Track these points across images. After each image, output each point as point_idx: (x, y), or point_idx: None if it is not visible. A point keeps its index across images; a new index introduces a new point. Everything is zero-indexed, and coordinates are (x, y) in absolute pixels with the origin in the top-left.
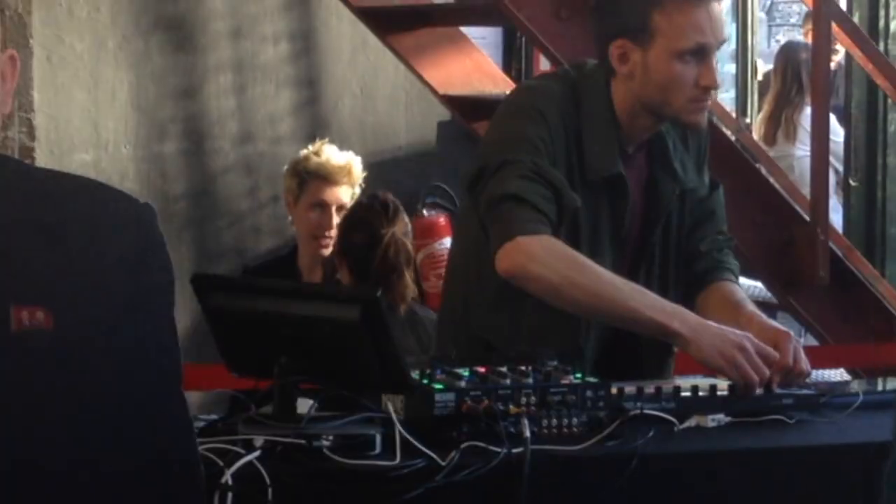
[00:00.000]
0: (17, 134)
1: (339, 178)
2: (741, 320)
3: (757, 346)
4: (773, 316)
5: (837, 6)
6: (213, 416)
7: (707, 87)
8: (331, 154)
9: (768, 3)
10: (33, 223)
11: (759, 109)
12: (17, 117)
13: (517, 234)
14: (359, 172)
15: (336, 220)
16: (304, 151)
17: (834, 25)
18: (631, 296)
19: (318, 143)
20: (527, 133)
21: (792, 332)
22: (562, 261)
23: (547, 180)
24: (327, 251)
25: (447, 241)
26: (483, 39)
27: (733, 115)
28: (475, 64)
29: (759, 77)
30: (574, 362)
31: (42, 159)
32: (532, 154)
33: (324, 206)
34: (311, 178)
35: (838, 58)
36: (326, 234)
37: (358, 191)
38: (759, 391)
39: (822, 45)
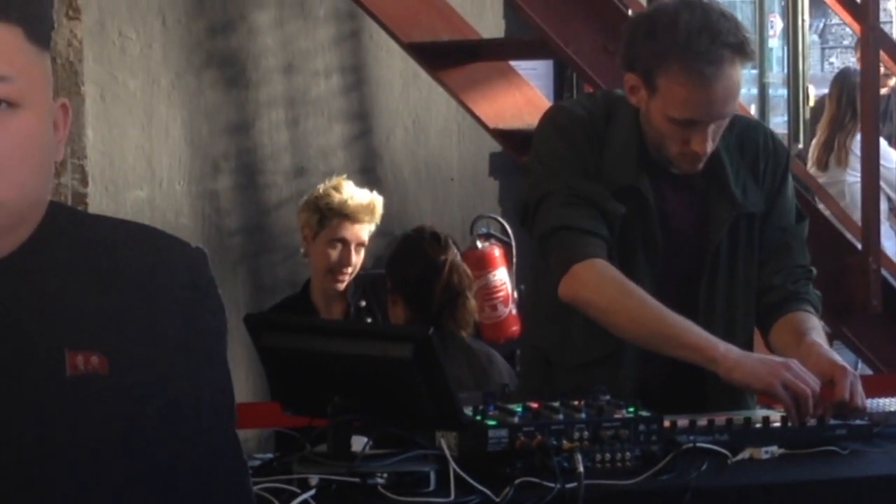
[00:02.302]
0: (70, 180)
1: (362, 217)
2: (801, 348)
3: (800, 366)
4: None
5: (885, 34)
6: (269, 455)
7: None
8: (353, 192)
9: (821, 25)
10: (86, 269)
11: (812, 135)
12: (69, 164)
13: (573, 262)
14: (380, 210)
15: (355, 257)
16: (321, 187)
17: (882, 53)
18: (675, 322)
19: (335, 179)
20: (554, 157)
21: (849, 367)
22: (611, 286)
23: (586, 199)
24: (342, 286)
25: (501, 273)
26: (534, 71)
27: (784, 142)
28: (525, 98)
29: (811, 102)
30: (616, 372)
31: (97, 197)
32: (564, 177)
33: (344, 243)
34: (333, 216)
35: (893, 83)
36: (345, 270)
37: (373, 227)
38: (812, 422)
39: (870, 72)
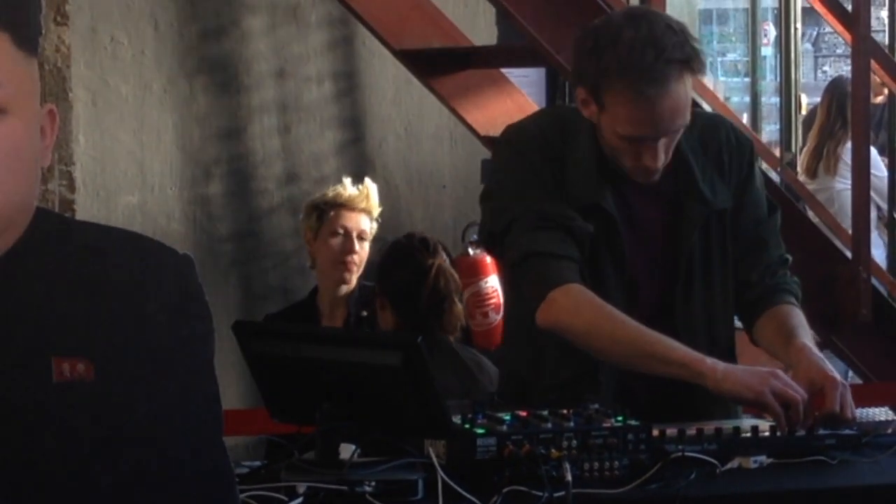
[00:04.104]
0: (58, 186)
1: (357, 204)
2: (790, 351)
3: (785, 375)
4: None
5: (876, 43)
6: (257, 463)
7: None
8: (346, 184)
9: (815, 34)
10: (74, 275)
11: (804, 143)
12: (57, 170)
13: (548, 290)
14: (375, 200)
15: (357, 246)
16: (317, 195)
17: (873, 62)
18: (658, 339)
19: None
20: (515, 181)
21: (839, 376)
22: (589, 310)
23: (553, 221)
24: (350, 276)
25: (492, 280)
26: (526, 78)
27: (774, 149)
28: (516, 105)
29: (804, 111)
30: (593, 389)
31: (88, 202)
32: (528, 200)
33: (345, 232)
34: (329, 208)
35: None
36: (349, 258)
37: (375, 226)
38: (801, 432)
39: (861, 82)
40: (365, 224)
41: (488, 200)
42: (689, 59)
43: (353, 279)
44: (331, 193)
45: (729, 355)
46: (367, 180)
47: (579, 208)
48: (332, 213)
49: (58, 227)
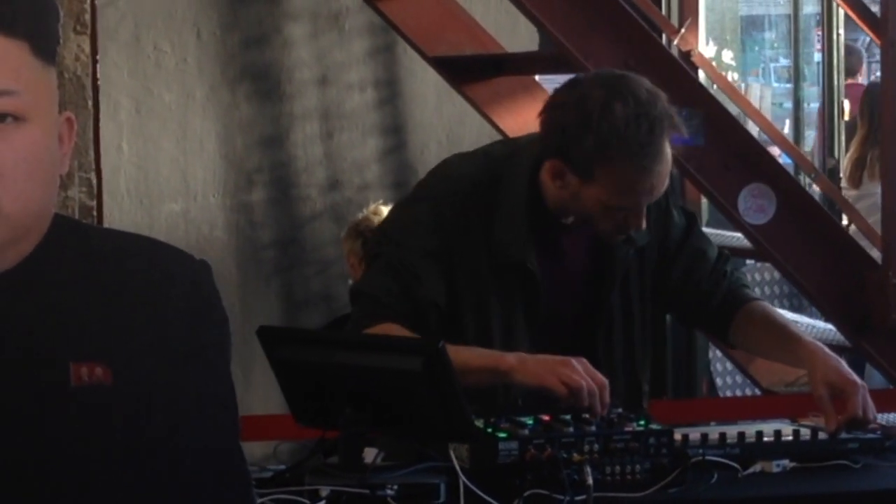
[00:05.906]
0: (78, 193)
1: None
2: (801, 353)
3: (581, 362)
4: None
5: None
6: (281, 466)
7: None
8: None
9: (867, 39)
10: (91, 281)
11: (847, 149)
12: (77, 177)
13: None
14: None
15: None
16: (360, 214)
17: None
18: (455, 354)
19: (372, 205)
20: (410, 223)
21: (858, 379)
22: None
23: (407, 272)
24: None
25: None
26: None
27: (811, 157)
28: None
29: (846, 117)
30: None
31: (132, 210)
32: (404, 249)
33: None
34: None
35: None
36: None
37: None
38: (823, 436)
39: (891, 87)
40: None
41: (389, 217)
42: (672, 119)
43: None
44: (376, 221)
45: (651, 388)
46: None
47: (505, 265)
48: None
49: (75, 234)
